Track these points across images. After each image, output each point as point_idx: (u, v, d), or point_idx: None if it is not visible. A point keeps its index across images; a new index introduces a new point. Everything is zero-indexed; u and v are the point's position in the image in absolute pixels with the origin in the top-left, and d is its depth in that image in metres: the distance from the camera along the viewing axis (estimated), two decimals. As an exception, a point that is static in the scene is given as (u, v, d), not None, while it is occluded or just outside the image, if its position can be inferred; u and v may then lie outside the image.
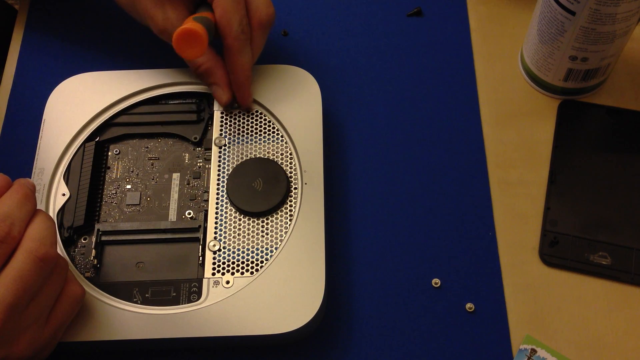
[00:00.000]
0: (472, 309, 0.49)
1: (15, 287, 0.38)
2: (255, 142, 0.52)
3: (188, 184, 0.52)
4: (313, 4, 0.63)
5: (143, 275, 0.48)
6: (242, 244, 0.48)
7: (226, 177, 0.51)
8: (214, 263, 0.48)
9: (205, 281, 0.47)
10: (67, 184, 0.51)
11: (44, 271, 0.40)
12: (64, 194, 0.50)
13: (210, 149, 0.52)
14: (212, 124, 0.53)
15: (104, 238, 0.49)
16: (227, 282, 0.47)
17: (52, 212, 0.49)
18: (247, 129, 0.53)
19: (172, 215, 0.50)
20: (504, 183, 0.54)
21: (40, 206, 0.49)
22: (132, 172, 0.53)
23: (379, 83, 0.59)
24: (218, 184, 0.51)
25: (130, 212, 0.51)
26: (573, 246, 0.51)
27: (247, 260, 0.48)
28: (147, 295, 0.47)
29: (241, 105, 0.53)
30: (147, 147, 0.54)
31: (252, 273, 0.47)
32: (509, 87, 0.59)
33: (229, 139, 0.52)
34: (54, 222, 0.43)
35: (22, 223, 0.41)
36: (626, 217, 0.52)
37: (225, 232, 0.49)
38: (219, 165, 0.51)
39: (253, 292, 0.46)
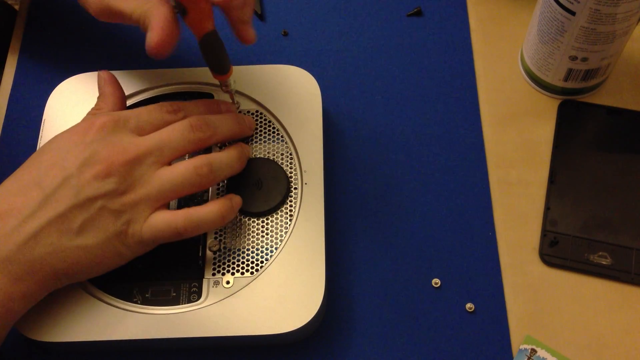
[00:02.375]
0: (472, 309, 0.49)
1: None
2: (255, 142, 0.52)
3: (188, 184, 0.52)
4: (313, 4, 0.63)
5: (143, 275, 0.48)
6: (242, 244, 0.48)
7: (226, 177, 0.51)
8: (214, 263, 0.48)
9: (205, 281, 0.47)
10: (67, 184, 0.51)
11: (201, 175, 0.45)
12: (64, 194, 0.50)
13: (211, 148, 0.52)
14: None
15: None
16: (227, 282, 0.47)
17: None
18: (247, 129, 0.53)
19: (172, 215, 0.50)
20: (504, 183, 0.54)
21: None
22: (132, 172, 0.53)
23: (379, 83, 0.59)
24: (218, 184, 0.51)
25: (130, 212, 0.51)
26: (573, 246, 0.51)
27: (247, 260, 0.48)
28: (147, 295, 0.47)
29: (246, 41, 0.48)
30: (147, 147, 0.54)
31: (252, 273, 0.47)
32: (509, 87, 0.59)
33: (229, 139, 0.52)
34: (245, 157, 0.49)
35: (188, 112, 0.48)
36: (626, 217, 0.52)
37: (225, 232, 0.49)
38: (219, 165, 0.51)
39: (253, 292, 0.46)
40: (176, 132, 0.45)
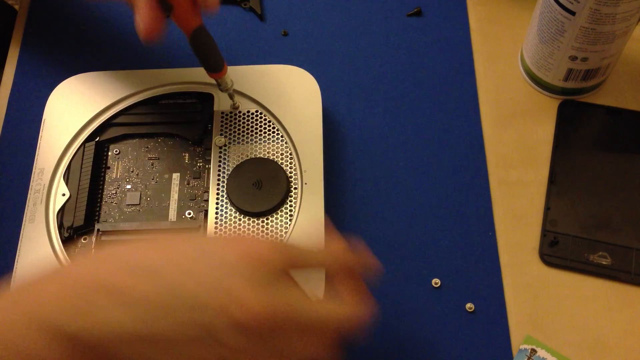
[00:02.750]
0: (472, 309, 0.49)
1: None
2: (255, 142, 0.52)
3: (188, 184, 0.52)
4: (313, 4, 0.63)
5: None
6: (242, 244, 0.48)
7: (226, 177, 0.51)
8: (214, 263, 0.48)
9: (205, 281, 0.47)
10: (67, 184, 0.51)
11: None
12: (64, 194, 0.50)
13: (210, 149, 0.52)
14: (212, 124, 0.53)
15: (104, 238, 0.49)
16: None
17: (52, 212, 0.49)
18: (247, 129, 0.53)
19: (172, 215, 0.50)
20: (504, 183, 0.54)
21: (41, 206, 0.49)
22: (132, 172, 0.53)
23: (379, 83, 0.59)
24: (218, 184, 0.51)
25: (130, 212, 0.51)
26: (573, 246, 0.51)
27: (247, 260, 0.48)
28: (147, 295, 0.47)
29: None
30: (147, 147, 0.54)
31: (252, 273, 0.47)
32: (509, 87, 0.59)
33: (229, 139, 0.52)
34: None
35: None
36: (626, 217, 0.52)
37: (225, 232, 0.49)
38: (219, 165, 0.51)
39: (253, 292, 0.46)
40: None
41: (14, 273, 0.47)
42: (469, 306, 0.49)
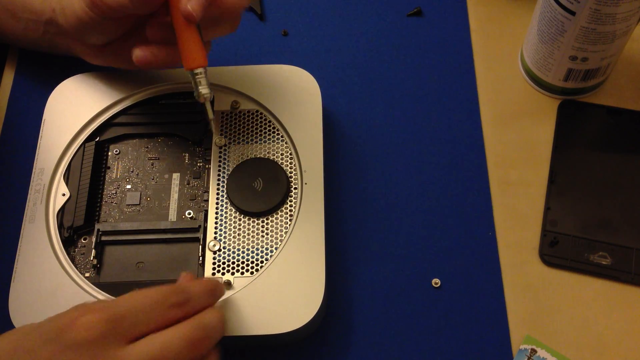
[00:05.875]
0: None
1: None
2: (255, 142, 0.52)
3: (188, 184, 0.52)
4: (313, 4, 0.63)
5: (143, 276, 0.48)
6: (242, 244, 0.48)
7: (226, 177, 0.51)
8: (214, 263, 0.48)
9: (205, 281, 0.47)
10: (67, 184, 0.51)
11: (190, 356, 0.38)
12: (64, 194, 0.50)
13: (210, 149, 0.52)
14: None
15: (104, 238, 0.49)
16: (228, 282, 0.47)
17: (52, 212, 0.49)
18: (247, 129, 0.53)
19: (172, 215, 0.50)
20: (504, 183, 0.54)
21: (41, 207, 0.49)
22: (132, 172, 0.53)
23: (379, 83, 0.59)
24: (218, 184, 0.51)
25: (130, 212, 0.51)
26: (573, 246, 0.51)
27: (247, 260, 0.48)
28: (147, 295, 0.47)
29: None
30: (147, 147, 0.54)
31: (252, 273, 0.47)
32: (509, 87, 0.59)
33: (229, 139, 0.52)
34: (223, 324, 0.42)
35: (196, 305, 0.41)
36: (626, 217, 0.52)
37: (225, 232, 0.49)
38: (219, 165, 0.51)
39: (253, 292, 0.46)
40: (171, 351, 0.38)
41: (14, 273, 0.47)
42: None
